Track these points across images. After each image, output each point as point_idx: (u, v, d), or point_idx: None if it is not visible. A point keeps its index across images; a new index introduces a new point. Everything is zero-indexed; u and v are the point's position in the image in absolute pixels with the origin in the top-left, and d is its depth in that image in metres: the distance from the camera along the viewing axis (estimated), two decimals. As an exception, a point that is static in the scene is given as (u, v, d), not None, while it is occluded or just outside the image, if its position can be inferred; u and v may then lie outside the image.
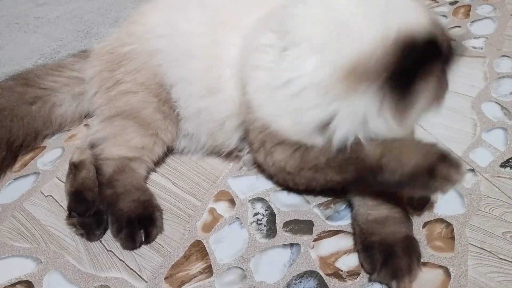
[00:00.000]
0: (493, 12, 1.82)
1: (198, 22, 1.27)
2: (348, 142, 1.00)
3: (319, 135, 1.05)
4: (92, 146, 1.35)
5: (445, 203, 1.11)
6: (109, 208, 1.20)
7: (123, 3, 2.47)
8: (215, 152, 1.36)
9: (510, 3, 1.85)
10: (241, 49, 1.19)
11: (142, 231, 1.16)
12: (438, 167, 0.92)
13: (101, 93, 1.39)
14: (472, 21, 1.80)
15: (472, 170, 1.21)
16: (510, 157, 1.23)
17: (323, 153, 1.06)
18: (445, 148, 0.99)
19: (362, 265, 1.03)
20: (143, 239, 1.16)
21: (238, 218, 1.21)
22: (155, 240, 1.18)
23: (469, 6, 1.89)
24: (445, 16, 1.85)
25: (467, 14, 1.84)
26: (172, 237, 1.18)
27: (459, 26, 1.78)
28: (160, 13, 1.38)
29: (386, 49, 0.92)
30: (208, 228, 1.20)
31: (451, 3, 1.92)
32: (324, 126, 1.02)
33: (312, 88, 1.00)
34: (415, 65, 0.94)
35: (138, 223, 1.16)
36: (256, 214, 1.22)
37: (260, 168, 1.28)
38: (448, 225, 1.08)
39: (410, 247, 1.00)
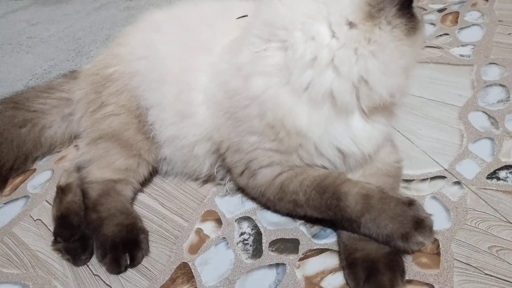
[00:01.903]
0: (481, 18, 1.81)
1: (173, 45, 1.28)
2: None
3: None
4: (78, 169, 1.35)
5: (433, 216, 1.09)
6: (94, 233, 1.20)
7: (114, 21, 2.48)
8: (192, 178, 1.36)
9: (498, 8, 1.84)
10: (214, 74, 1.19)
11: (127, 254, 1.16)
12: (412, 235, 0.97)
13: (87, 116, 1.40)
14: (460, 28, 1.79)
15: (458, 183, 1.20)
16: (496, 168, 1.22)
17: (303, 191, 1.09)
18: (423, 212, 1.01)
19: (346, 282, 1.03)
20: (129, 263, 1.16)
21: (224, 238, 1.21)
22: (141, 263, 1.18)
23: (457, 13, 1.88)
24: (433, 24, 1.84)
25: (455, 21, 1.83)
26: (159, 260, 1.18)
27: (447, 34, 1.77)
28: (141, 34, 1.39)
29: None
30: (194, 249, 1.19)
31: (439, 10, 1.91)
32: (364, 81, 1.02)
33: (342, 49, 1.00)
34: None
35: (123, 247, 1.16)
36: (242, 233, 1.21)
37: (244, 192, 1.28)
38: (434, 240, 1.07)
39: (393, 262, 1.00)
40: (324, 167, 1.15)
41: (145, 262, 1.18)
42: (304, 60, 1.01)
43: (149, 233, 1.25)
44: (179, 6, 1.42)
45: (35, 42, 2.44)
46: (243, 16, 1.21)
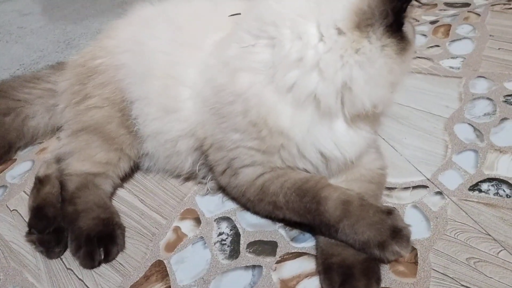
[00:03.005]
0: (472, 32, 1.82)
1: (162, 40, 1.26)
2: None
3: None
4: (58, 160, 1.33)
5: (411, 227, 1.08)
6: (69, 226, 1.18)
7: (106, 15, 2.46)
8: (174, 175, 1.34)
9: (489, 23, 1.85)
10: (203, 69, 1.17)
11: (101, 249, 1.14)
12: (389, 244, 0.97)
13: (70, 107, 1.38)
14: (451, 41, 1.79)
15: (440, 193, 1.19)
16: (479, 180, 1.21)
17: (284, 194, 1.08)
18: (401, 222, 1.01)
19: (321, 287, 1.01)
20: (103, 258, 1.14)
21: (202, 237, 1.19)
22: (116, 259, 1.16)
23: (449, 25, 1.88)
24: (424, 35, 1.85)
25: (446, 34, 1.84)
26: (134, 256, 1.16)
27: (438, 46, 1.78)
28: (130, 28, 1.37)
29: None
30: (171, 247, 1.17)
31: (432, 22, 1.92)
32: (347, 88, 1.01)
33: (329, 54, 0.99)
34: (401, 4, 0.96)
35: (98, 241, 1.14)
36: (220, 233, 1.19)
37: (224, 191, 1.26)
38: (412, 249, 1.06)
39: (369, 269, 0.99)
40: (306, 171, 1.13)
41: (119, 258, 1.16)
42: (290, 59, 1.00)
43: (126, 229, 1.23)
44: (170, 1, 1.41)
45: (25, 32, 2.41)
46: (236, 14, 1.20)
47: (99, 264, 1.14)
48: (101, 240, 1.15)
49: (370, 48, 0.97)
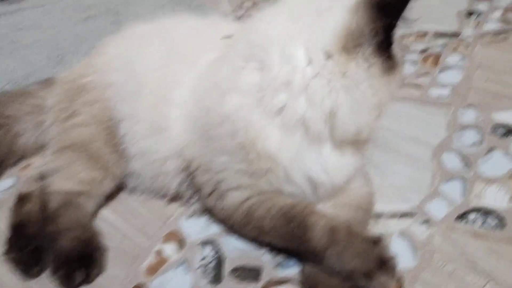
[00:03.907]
0: (461, 61, 1.83)
1: (154, 58, 1.26)
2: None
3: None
4: (42, 177, 1.31)
5: (397, 255, 1.06)
6: (50, 245, 1.15)
7: (100, 33, 2.45)
8: (159, 195, 1.32)
9: (478, 54, 1.86)
10: (194, 89, 1.17)
11: (81, 270, 1.11)
12: (376, 274, 0.96)
13: (57, 124, 1.36)
14: (441, 70, 1.80)
15: (427, 222, 1.19)
16: (466, 210, 1.21)
17: (270, 218, 1.07)
18: (388, 252, 1.01)
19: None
20: (82, 279, 1.10)
21: (185, 261, 1.16)
22: (96, 280, 1.12)
23: (439, 54, 1.90)
24: (414, 63, 1.86)
25: (436, 62, 1.85)
26: (114, 279, 1.13)
27: (427, 74, 1.79)
28: (122, 45, 1.37)
29: (362, 13, 0.94)
30: (152, 270, 1.15)
31: (422, 51, 1.93)
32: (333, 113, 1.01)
33: (316, 79, 0.99)
34: (391, 21, 0.95)
35: (78, 262, 1.11)
36: (204, 258, 1.17)
37: (210, 213, 1.24)
38: (398, 278, 1.04)
39: (355, 300, 0.97)
40: (294, 195, 1.12)
41: (100, 280, 1.13)
42: (278, 82, 1.00)
43: (108, 250, 1.19)
44: (164, 20, 1.41)
45: (16, 47, 2.39)
46: (228, 36, 1.21)
47: (78, 286, 1.10)
48: (81, 261, 1.12)
49: (357, 71, 0.97)
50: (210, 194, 1.17)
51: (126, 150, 1.27)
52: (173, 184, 1.25)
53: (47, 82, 1.61)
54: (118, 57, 1.34)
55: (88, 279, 1.11)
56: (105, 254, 1.18)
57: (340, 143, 1.07)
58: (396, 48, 1.02)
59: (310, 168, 1.07)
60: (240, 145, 1.05)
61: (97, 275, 1.13)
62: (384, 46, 0.97)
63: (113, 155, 1.28)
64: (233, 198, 1.12)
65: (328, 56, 0.98)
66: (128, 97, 1.25)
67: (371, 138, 1.18)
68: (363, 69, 0.97)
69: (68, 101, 1.35)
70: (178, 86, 1.21)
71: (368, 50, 0.96)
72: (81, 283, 1.11)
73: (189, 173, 1.21)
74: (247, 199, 1.11)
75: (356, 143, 1.09)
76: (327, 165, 1.08)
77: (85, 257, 1.13)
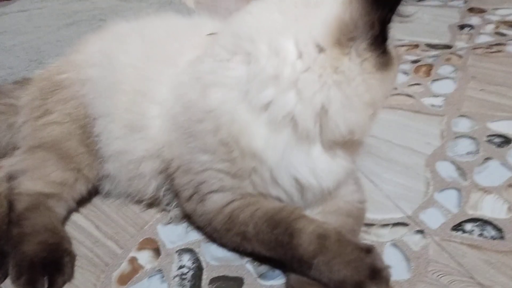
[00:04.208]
0: (454, 73, 1.80)
1: (134, 54, 1.18)
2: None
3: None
4: (10, 178, 1.21)
5: (390, 266, 0.98)
6: (13, 250, 1.05)
7: (83, 36, 2.40)
8: (135, 200, 1.23)
9: (471, 65, 1.83)
10: (174, 86, 1.10)
11: (45, 278, 1.01)
12: (367, 285, 0.88)
13: (29, 122, 1.28)
14: (433, 80, 1.76)
15: (421, 231, 1.11)
16: (462, 220, 1.13)
17: (254, 223, 0.99)
18: (381, 262, 0.93)
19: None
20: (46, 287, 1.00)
21: (160, 270, 1.07)
22: (61, 289, 1.02)
23: (431, 65, 1.86)
24: (406, 73, 1.82)
25: (428, 73, 1.81)
26: (82, 288, 1.03)
27: (419, 84, 1.74)
28: (101, 42, 1.30)
29: (356, 4, 0.88)
30: (124, 280, 1.05)
31: (413, 61, 1.90)
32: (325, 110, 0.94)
33: (307, 73, 0.92)
34: (387, 13, 0.89)
35: (42, 269, 1.01)
36: (181, 267, 1.08)
37: (190, 219, 1.16)
38: (391, 291, 0.96)
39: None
40: (280, 199, 1.04)
41: (66, 288, 1.03)
42: (265, 75, 0.93)
43: (77, 257, 1.10)
44: (147, 19, 1.34)
45: (-4, 50, 2.31)
46: (213, 34, 1.14)
47: (41, 294, 1.01)
48: (46, 268, 1.02)
49: (349, 66, 0.90)
50: (190, 197, 1.09)
51: (100, 151, 1.19)
52: (150, 187, 1.17)
53: (23, 82, 1.53)
54: (96, 53, 1.26)
55: (53, 287, 1.01)
56: (73, 261, 1.08)
57: (331, 145, 1.00)
58: (391, 44, 0.96)
59: (297, 170, 0.99)
60: (222, 142, 0.97)
61: (64, 283, 1.04)
62: (379, 41, 0.91)
63: (86, 155, 1.20)
64: (215, 202, 1.04)
65: (320, 49, 0.92)
66: (105, 94, 1.17)
67: (363, 142, 1.11)
68: (357, 64, 0.91)
69: (42, 99, 1.27)
70: (158, 83, 1.13)
71: (362, 44, 0.90)
72: (45, 292, 1.01)
73: (168, 175, 1.13)
74: (230, 202, 1.03)
75: (348, 145, 1.02)
76: (316, 167, 1.00)
77: (51, 263, 1.03)
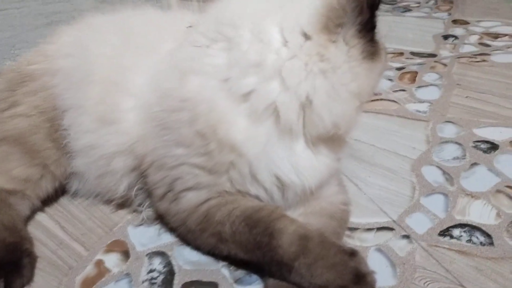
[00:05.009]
0: (439, 80, 1.77)
1: (109, 44, 1.12)
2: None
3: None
4: (-29, 173, 1.12)
5: (376, 273, 0.92)
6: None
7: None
8: (105, 199, 1.16)
9: (456, 73, 1.81)
10: (151, 76, 1.03)
11: (1, 279, 0.92)
12: None
13: (-5, 115, 1.19)
14: (418, 87, 1.73)
15: (407, 236, 1.05)
16: (450, 225, 1.08)
17: (231, 223, 0.92)
18: (365, 267, 0.87)
19: None
20: (2, 290, 0.92)
21: (128, 274, 0.99)
22: (19, 293, 0.94)
23: (416, 72, 1.84)
24: (390, 79, 1.79)
25: (413, 80, 1.79)
26: (42, 292, 0.95)
27: (404, 90, 1.71)
28: (75, 33, 1.23)
29: None
30: (89, 284, 0.97)
31: (398, 68, 1.87)
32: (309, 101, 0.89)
33: (293, 61, 0.87)
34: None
35: None
36: (151, 271, 1.00)
37: (163, 220, 1.08)
38: (376, 298, 0.90)
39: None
40: (259, 198, 0.98)
41: (24, 291, 0.94)
42: (248, 61, 0.87)
43: (39, 259, 1.02)
44: (124, 11, 1.28)
45: (-31, 48, 2.22)
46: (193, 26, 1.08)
47: (-5, 299, 0.92)
48: (2, 269, 0.93)
49: (336, 53, 0.86)
50: (163, 196, 1.01)
51: (69, 145, 1.11)
52: (121, 186, 1.09)
53: (-7, 75, 1.45)
54: (70, 44, 1.20)
55: (10, 289, 0.92)
56: (34, 263, 1.00)
57: (314, 141, 0.95)
58: (379, 34, 0.92)
59: (278, 166, 0.93)
60: (199, 133, 0.91)
61: (22, 286, 0.95)
62: (367, 28, 0.87)
63: (54, 150, 1.12)
64: (190, 200, 0.97)
65: (306, 36, 0.87)
66: (77, 85, 1.10)
67: (347, 140, 1.06)
68: (344, 51, 0.87)
69: (10, 90, 1.19)
70: (134, 74, 1.07)
71: (350, 31, 0.86)
72: (0, 295, 0.92)
73: (141, 172, 1.06)
74: (206, 201, 0.96)
75: (332, 141, 0.97)
76: (298, 164, 0.94)
77: (8, 263, 0.95)
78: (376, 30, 0.91)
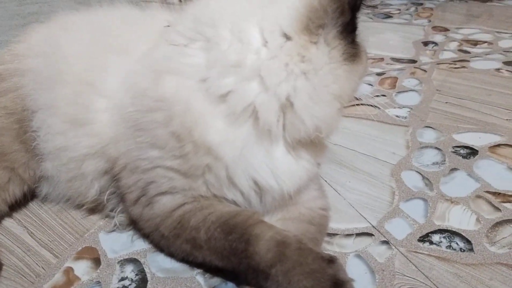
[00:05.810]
0: (418, 85, 1.77)
1: (81, 44, 1.08)
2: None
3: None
4: None
5: (354, 278, 0.90)
6: None
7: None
8: (76, 204, 1.11)
9: (436, 79, 1.81)
10: (126, 76, 0.99)
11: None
12: None
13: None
14: (398, 92, 1.73)
15: (386, 242, 1.04)
16: (429, 231, 1.07)
17: (206, 228, 0.88)
18: (344, 274, 0.84)
19: None
20: (-38, 302, 0.87)
21: (99, 282, 0.95)
22: (-19, 303, 0.89)
23: (396, 78, 1.84)
24: (370, 84, 1.78)
25: (393, 85, 1.79)
26: (6, 302, 0.90)
27: (384, 95, 1.70)
28: (46, 31, 1.19)
29: None
30: (57, 292, 0.93)
31: (378, 74, 1.87)
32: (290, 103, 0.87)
33: (272, 61, 0.85)
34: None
35: None
36: (123, 278, 0.96)
37: (136, 226, 1.04)
38: (354, 306, 0.87)
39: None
40: (236, 204, 0.95)
41: (-14, 303, 0.90)
42: (227, 61, 0.85)
43: (4, 266, 0.98)
44: (98, 9, 1.24)
45: None
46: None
47: (-46, 310, 0.87)
48: (-37, 278, 0.89)
49: (317, 54, 0.84)
50: (136, 200, 0.98)
51: (38, 147, 1.06)
52: (92, 190, 1.05)
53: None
54: (40, 42, 1.15)
55: (-30, 300, 0.88)
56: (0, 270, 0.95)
57: (294, 145, 0.92)
58: (360, 36, 0.90)
59: (256, 170, 0.90)
60: (174, 135, 0.88)
61: (-16, 296, 0.90)
62: (348, 29, 0.85)
63: (22, 153, 1.08)
64: (164, 205, 0.94)
65: (286, 36, 0.85)
66: (47, 85, 1.06)
67: (327, 145, 1.04)
68: (325, 53, 0.85)
69: (-23, 92, 1.14)
70: (107, 74, 1.03)
71: (331, 32, 0.84)
72: (-40, 306, 0.87)
73: (113, 176, 1.02)
74: (180, 205, 0.93)
75: (312, 145, 0.95)
76: (277, 169, 0.92)
77: (-31, 272, 0.90)
78: (357, 32, 0.89)
